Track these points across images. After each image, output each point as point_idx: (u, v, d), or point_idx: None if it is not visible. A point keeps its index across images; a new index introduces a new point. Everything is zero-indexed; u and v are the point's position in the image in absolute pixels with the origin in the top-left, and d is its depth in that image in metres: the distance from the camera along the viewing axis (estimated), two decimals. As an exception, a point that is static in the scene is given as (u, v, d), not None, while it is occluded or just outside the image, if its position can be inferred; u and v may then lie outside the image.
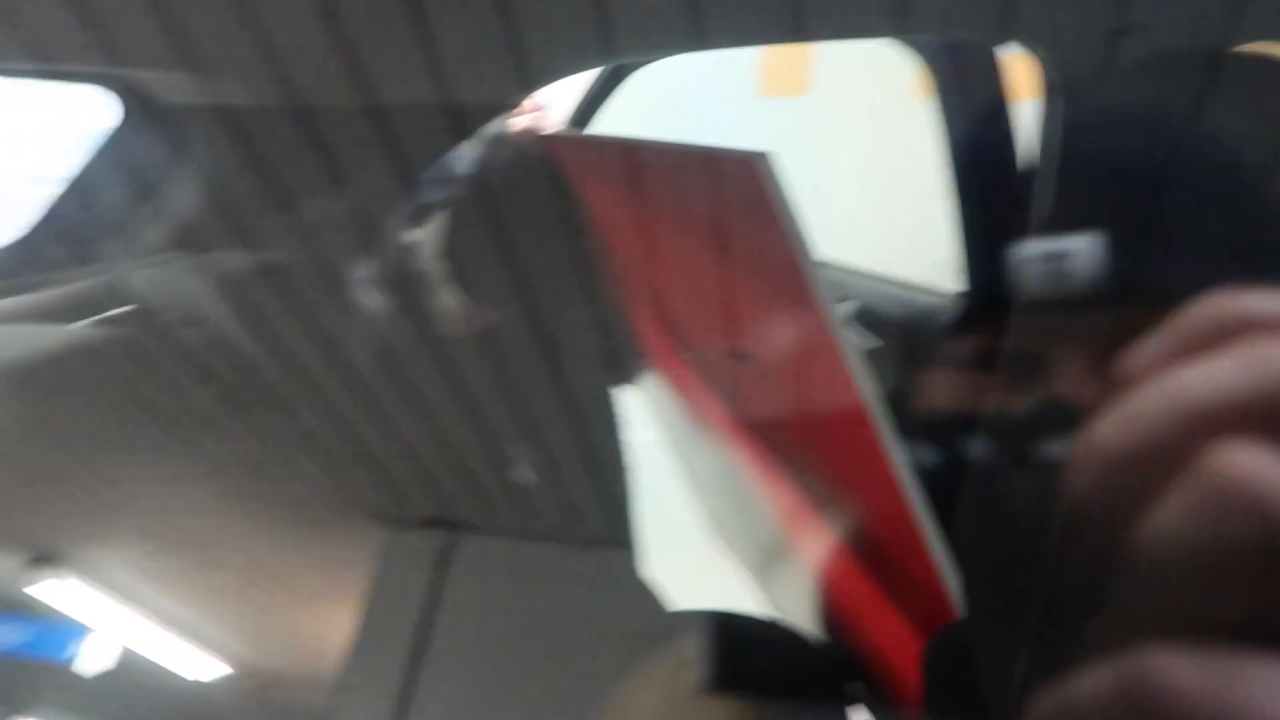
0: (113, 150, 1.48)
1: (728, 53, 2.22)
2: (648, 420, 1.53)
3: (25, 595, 1.48)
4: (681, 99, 2.34)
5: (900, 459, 0.52)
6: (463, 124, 1.33)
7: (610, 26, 1.07)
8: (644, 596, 1.43)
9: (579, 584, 1.45)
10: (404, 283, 1.47)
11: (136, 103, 1.41)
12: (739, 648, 1.03)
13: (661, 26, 1.08)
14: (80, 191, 1.51)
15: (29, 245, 1.53)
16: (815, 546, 0.78)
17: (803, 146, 2.32)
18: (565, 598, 1.44)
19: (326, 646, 1.47)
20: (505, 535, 1.47)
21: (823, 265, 2.12)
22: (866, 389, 0.55)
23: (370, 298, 1.47)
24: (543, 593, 1.44)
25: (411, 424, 1.45)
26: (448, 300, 1.42)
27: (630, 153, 0.96)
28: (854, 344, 0.56)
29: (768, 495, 0.87)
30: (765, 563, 1.15)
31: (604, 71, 2.12)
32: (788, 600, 1.06)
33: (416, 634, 1.38)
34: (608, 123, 2.23)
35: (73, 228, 1.53)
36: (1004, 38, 0.94)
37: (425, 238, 1.41)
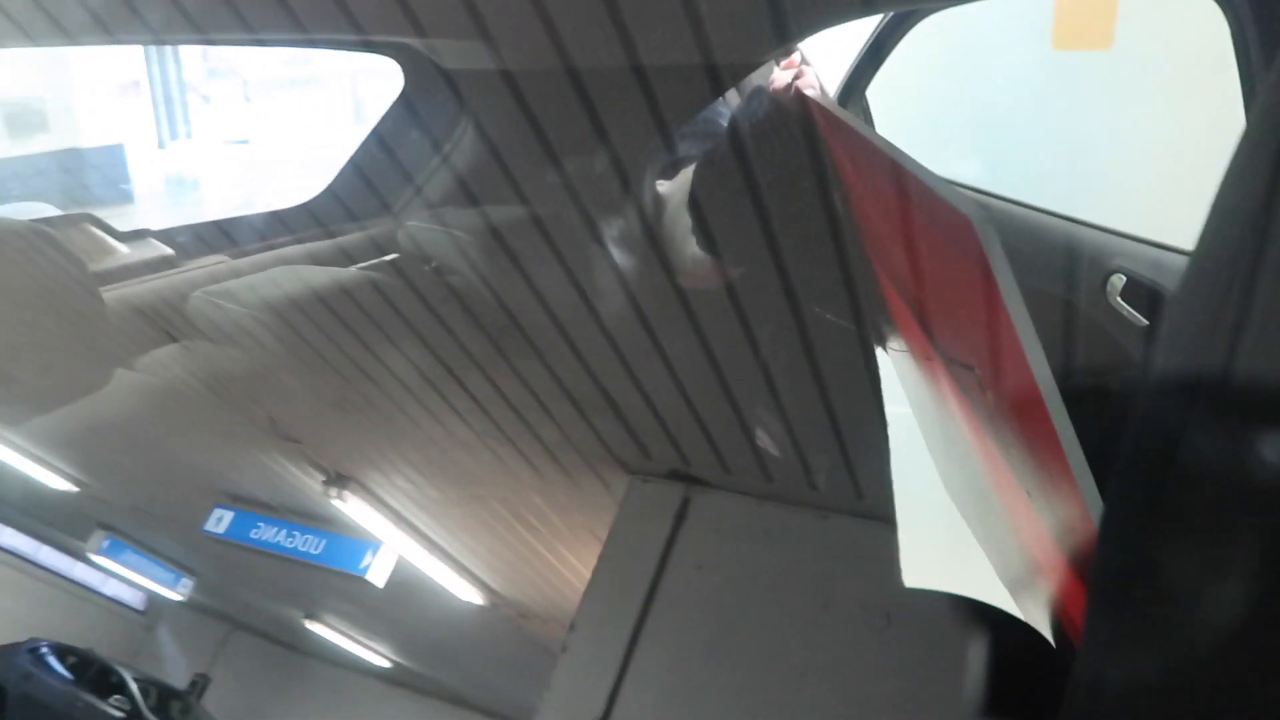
0: (397, 115, 1.61)
1: (1015, 3, 2.04)
2: (898, 390, 1.47)
3: (324, 510, 1.67)
4: (971, 51, 2.19)
5: (1081, 475, 0.49)
6: (719, 83, 1.32)
7: None
8: (876, 568, 1.38)
9: (812, 548, 1.42)
10: (655, 237, 1.49)
11: (418, 69, 1.52)
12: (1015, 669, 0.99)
13: None
14: (368, 154, 1.66)
15: (323, 202, 1.71)
16: (1034, 539, 0.73)
17: (1098, 107, 2.11)
18: (797, 561, 1.42)
19: (569, 585, 1.56)
20: (743, 493, 1.47)
21: (1093, 227, 1.91)
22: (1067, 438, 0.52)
23: (625, 253, 1.50)
24: (775, 553, 1.43)
25: (658, 378, 1.48)
26: (694, 252, 1.42)
27: (874, 152, 0.92)
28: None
29: (995, 484, 0.81)
30: (983, 528, 1.08)
31: (884, 22, 2.02)
32: (997, 557, 0.99)
33: (650, 581, 1.42)
34: (893, 74, 2.13)
35: (361, 186, 1.69)
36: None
37: (677, 190, 1.42)
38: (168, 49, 8.69)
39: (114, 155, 6.34)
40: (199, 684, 1.85)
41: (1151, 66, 1.88)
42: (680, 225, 1.42)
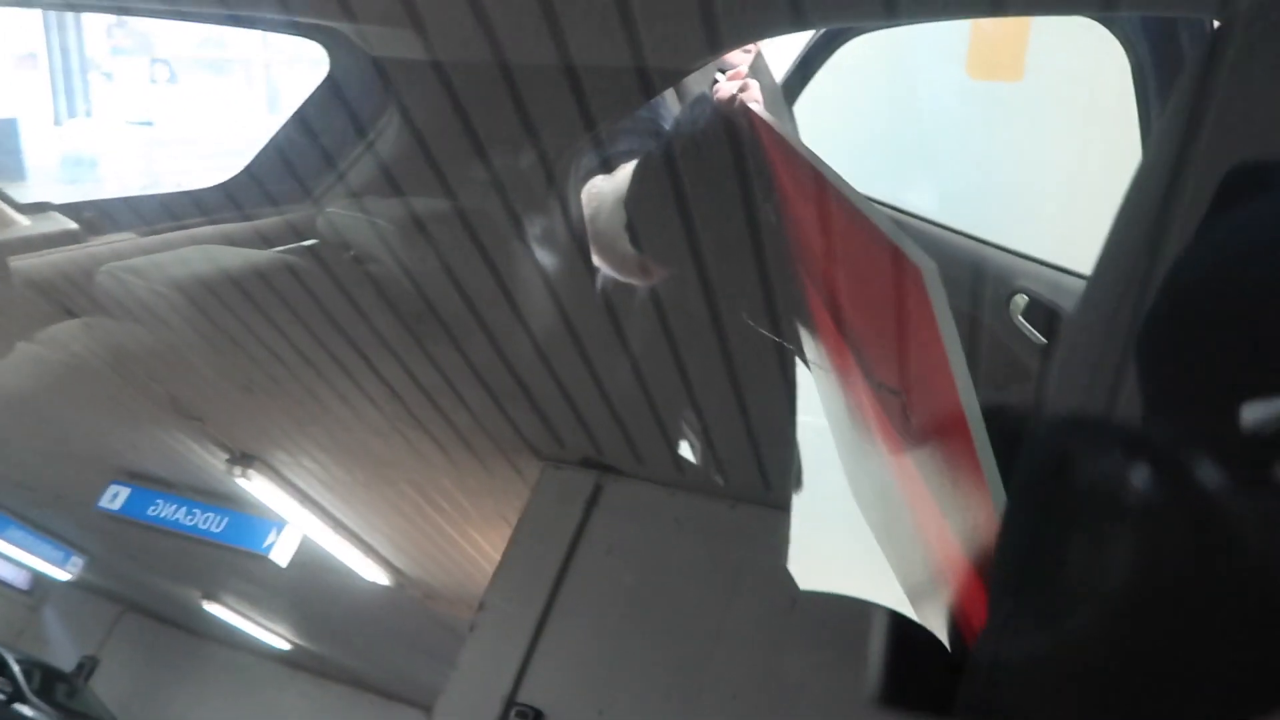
0: (320, 100, 1.59)
1: (938, 31, 2.13)
2: (814, 401, 1.53)
3: (226, 489, 1.64)
4: (893, 74, 2.27)
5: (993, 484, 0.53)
6: (648, 85, 1.34)
7: None
8: (783, 556, 1.43)
9: (721, 536, 1.46)
10: (580, 233, 1.51)
11: (345, 55, 1.51)
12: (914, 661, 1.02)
13: None
14: (289, 137, 1.63)
15: (240, 183, 1.68)
16: (940, 544, 0.77)
17: (1009, 133, 2.22)
18: (706, 547, 1.45)
19: (478, 568, 1.56)
20: (654, 482, 1.50)
21: (999, 248, 2.00)
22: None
23: (547, 246, 1.52)
24: (685, 540, 1.46)
25: (573, 367, 1.50)
26: (625, 249, 1.44)
27: (818, 179, 0.95)
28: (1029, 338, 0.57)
29: (906, 495, 0.85)
30: (888, 537, 1.13)
31: (815, 39, 2.09)
32: (900, 565, 1.04)
33: (560, 563, 1.43)
34: (818, 92, 2.19)
35: (280, 170, 1.66)
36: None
37: (614, 186, 1.44)
38: (69, 20, 8.34)
39: (8, 129, 6.06)
40: (86, 666, 1.80)
41: (1059, 98, 1.98)
42: (615, 221, 1.44)
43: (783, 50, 2.14)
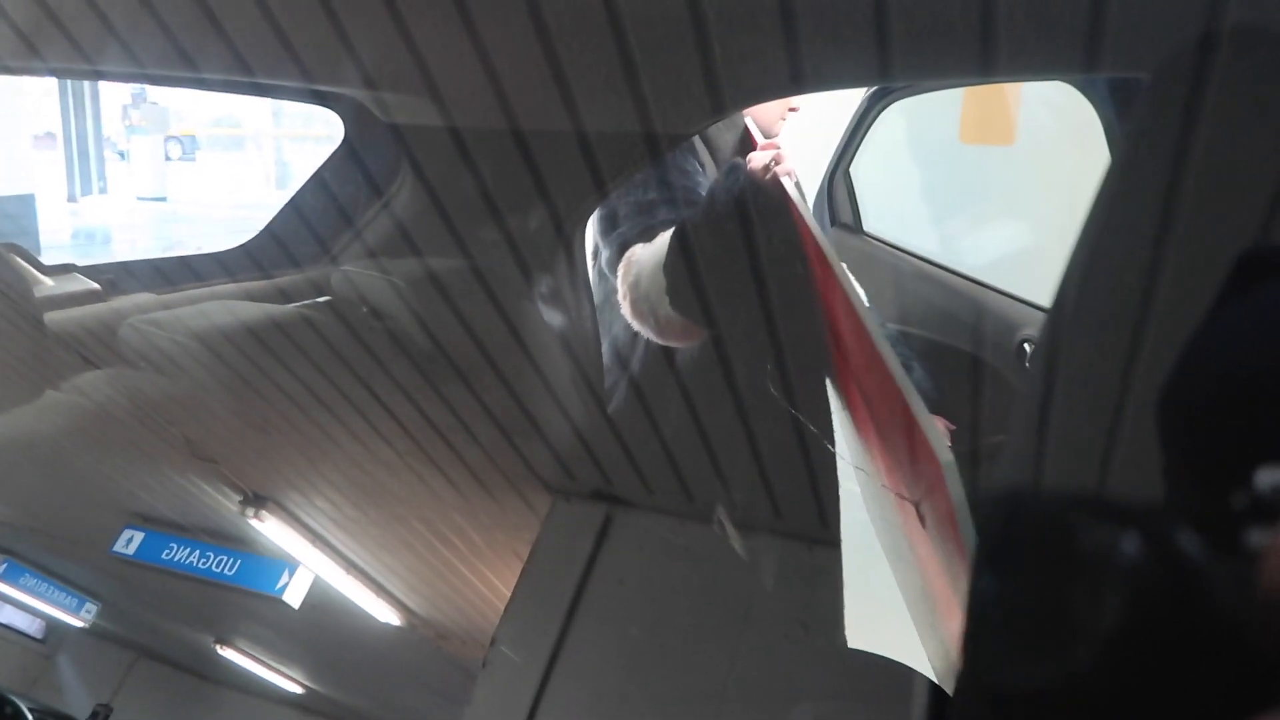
0: (336, 165, 1.64)
1: (932, 100, 2.21)
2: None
3: (239, 531, 1.65)
4: (889, 143, 2.35)
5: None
6: (655, 149, 1.38)
7: (798, 56, 1.09)
8: (793, 583, 1.42)
9: (732, 565, 1.45)
10: (583, 275, 1.53)
11: (360, 122, 1.55)
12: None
13: (847, 58, 1.08)
14: (305, 201, 1.68)
15: (258, 246, 1.72)
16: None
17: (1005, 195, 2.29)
18: (717, 576, 1.45)
19: (489, 605, 1.56)
20: (664, 512, 1.50)
21: (1014, 298, 2.04)
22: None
23: (566, 301, 1.54)
24: (696, 569, 1.46)
25: (582, 401, 1.51)
26: (665, 313, 1.46)
27: (824, 262, 1.00)
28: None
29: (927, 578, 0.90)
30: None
31: (862, 106, 2.18)
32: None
33: (572, 596, 1.43)
34: (817, 158, 2.29)
35: (296, 232, 1.70)
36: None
37: (654, 253, 1.47)
38: (86, 101, 8.57)
39: (25, 204, 6.20)
40: (100, 714, 1.79)
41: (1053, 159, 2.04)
42: (655, 286, 1.47)
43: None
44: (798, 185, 1.31)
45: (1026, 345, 1.84)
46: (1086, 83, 1.60)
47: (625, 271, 1.48)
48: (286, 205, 1.76)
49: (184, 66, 1.27)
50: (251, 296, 1.67)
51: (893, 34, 1.02)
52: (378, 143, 1.60)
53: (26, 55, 1.34)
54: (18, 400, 1.73)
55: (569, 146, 1.31)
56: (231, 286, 1.71)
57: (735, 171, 1.35)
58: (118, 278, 1.75)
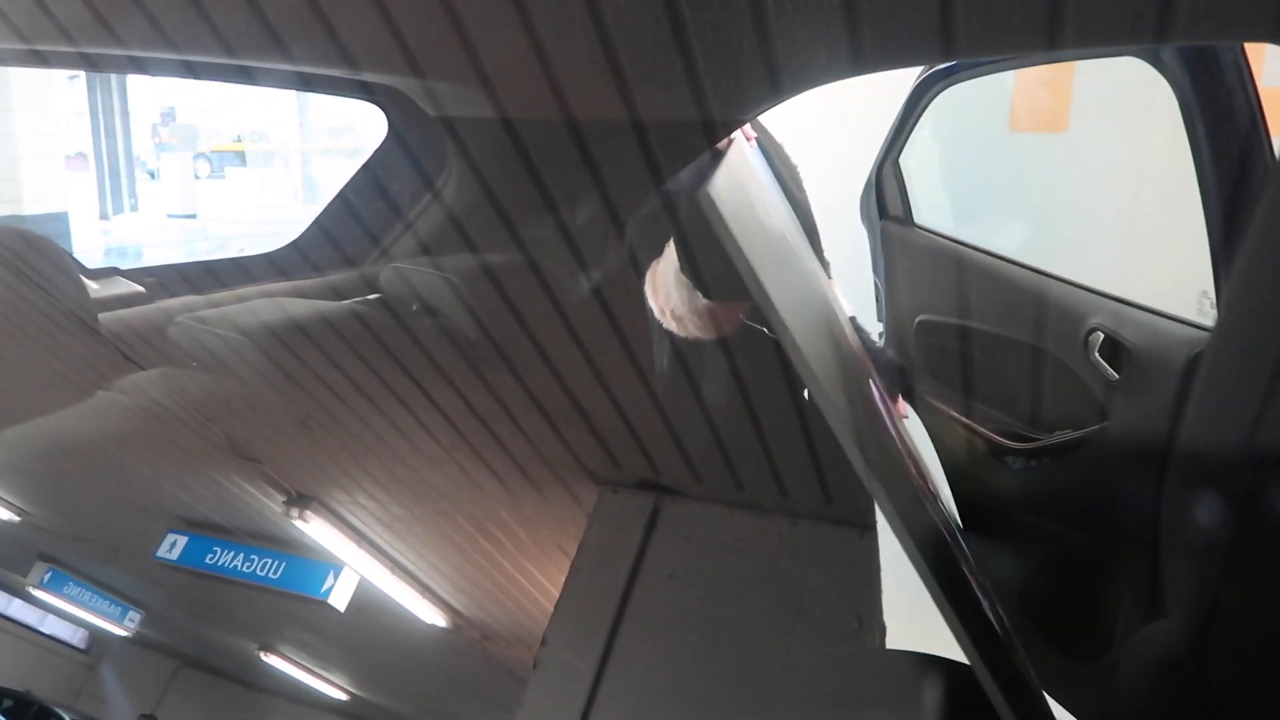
0: (381, 160, 1.63)
1: (982, 88, 2.17)
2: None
3: (283, 532, 1.63)
4: (937, 131, 2.32)
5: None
6: (712, 137, 1.35)
7: (858, 35, 1.06)
8: (846, 572, 1.39)
9: (783, 555, 1.42)
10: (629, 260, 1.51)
11: (404, 115, 1.54)
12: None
13: (907, 33, 1.05)
14: (350, 197, 1.67)
15: (304, 244, 1.71)
16: None
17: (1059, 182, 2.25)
18: (769, 567, 1.42)
19: (536, 604, 1.53)
20: (713, 501, 1.47)
21: (1080, 286, 2.01)
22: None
23: (598, 271, 1.52)
24: (747, 560, 1.43)
25: (628, 387, 1.48)
26: (699, 305, 1.44)
27: None
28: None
29: None
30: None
31: (910, 97, 2.15)
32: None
33: (622, 592, 1.40)
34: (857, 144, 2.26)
35: (342, 229, 1.70)
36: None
37: (664, 265, 1.45)
38: (116, 122, 8.75)
39: (59, 221, 6.32)
40: (144, 724, 1.77)
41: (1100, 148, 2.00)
42: (681, 284, 1.47)
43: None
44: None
45: (1095, 336, 1.80)
46: (1158, 54, 1.53)
47: (653, 291, 1.49)
48: (332, 201, 1.75)
49: (225, 55, 1.27)
50: (301, 294, 1.67)
51: (957, 4, 1.00)
52: (423, 136, 1.58)
53: (66, 45, 1.34)
54: (63, 406, 1.73)
55: (621, 134, 1.29)
56: (283, 285, 1.70)
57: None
58: (164, 279, 1.75)
